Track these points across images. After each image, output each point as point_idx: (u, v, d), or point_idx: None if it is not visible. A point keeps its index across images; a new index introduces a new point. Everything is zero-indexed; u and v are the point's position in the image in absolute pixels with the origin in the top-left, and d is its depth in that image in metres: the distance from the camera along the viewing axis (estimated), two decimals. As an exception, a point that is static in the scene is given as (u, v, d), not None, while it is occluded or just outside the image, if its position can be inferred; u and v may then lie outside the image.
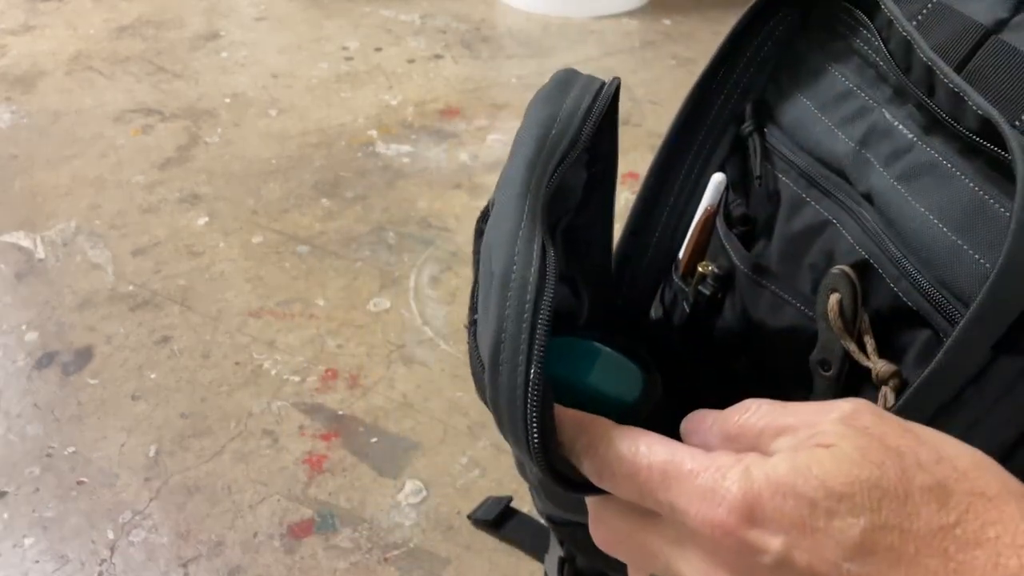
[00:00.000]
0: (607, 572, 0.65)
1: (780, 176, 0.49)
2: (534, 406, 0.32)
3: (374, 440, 1.08)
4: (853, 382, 0.44)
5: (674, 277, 0.57)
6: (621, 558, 0.35)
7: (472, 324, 0.38)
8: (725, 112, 0.55)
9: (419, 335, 1.23)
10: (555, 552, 0.69)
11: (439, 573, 0.93)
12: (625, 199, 1.44)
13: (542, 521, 0.71)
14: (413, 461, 1.05)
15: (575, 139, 0.40)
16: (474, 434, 1.08)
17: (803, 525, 0.28)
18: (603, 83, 0.44)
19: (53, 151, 1.65)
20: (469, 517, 0.97)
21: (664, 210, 0.59)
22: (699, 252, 0.55)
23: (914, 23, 0.41)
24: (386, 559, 0.94)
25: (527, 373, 0.32)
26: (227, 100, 1.83)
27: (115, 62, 1.98)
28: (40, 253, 1.39)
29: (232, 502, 1.00)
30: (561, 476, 0.34)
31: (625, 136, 1.68)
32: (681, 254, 0.57)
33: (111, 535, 0.97)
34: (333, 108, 1.80)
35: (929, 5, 0.42)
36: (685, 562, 0.31)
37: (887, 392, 0.43)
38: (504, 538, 0.96)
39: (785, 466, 0.29)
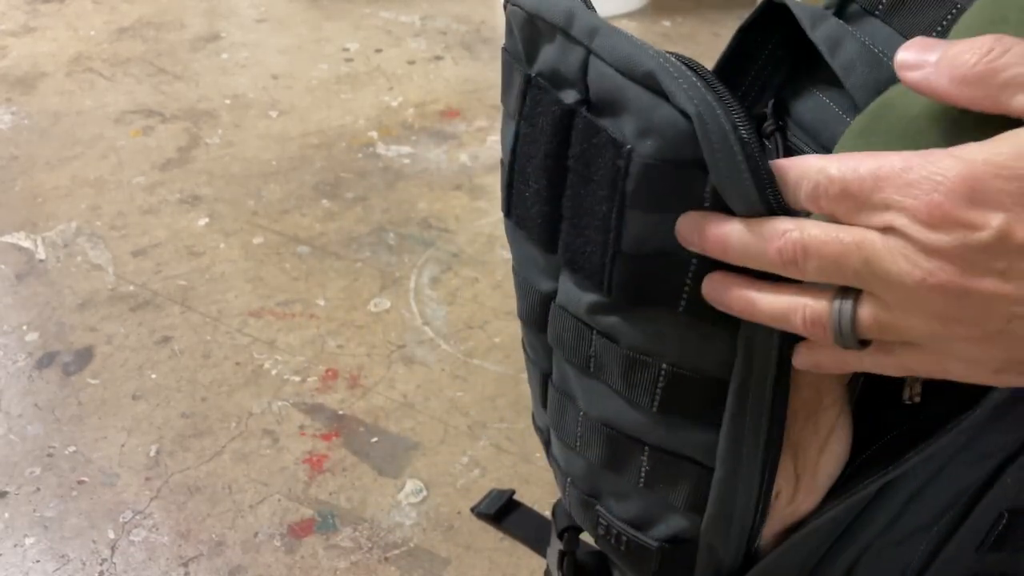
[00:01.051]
0: (608, 563, 0.65)
1: None
2: (748, 138, 0.36)
3: (374, 440, 1.08)
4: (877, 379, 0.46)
5: None
6: (807, 267, 0.36)
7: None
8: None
9: (419, 335, 1.23)
10: (555, 545, 0.69)
11: (439, 573, 0.93)
12: (625, 200, 1.44)
13: (544, 514, 0.71)
14: (413, 461, 1.05)
15: None
16: (474, 434, 1.08)
17: None
18: None
19: (53, 152, 1.66)
20: (472, 509, 0.98)
21: None
22: None
23: (933, 34, 0.41)
24: (386, 558, 0.94)
25: (734, 125, 0.37)
26: (227, 101, 1.83)
27: (115, 64, 1.98)
28: (40, 254, 1.40)
29: (233, 502, 1.00)
30: (775, 204, 0.37)
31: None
32: None
33: (112, 535, 0.97)
34: (333, 109, 1.80)
35: (950, 15, 0.42)
36: (893, 258, 0.33)
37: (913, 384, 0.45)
38: (505, 531, 0.96)
39: (1009, 147, 0.29)
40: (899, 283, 0.33)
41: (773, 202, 0.37)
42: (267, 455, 1.06)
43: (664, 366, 0.45)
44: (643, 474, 0.50)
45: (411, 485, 1.02)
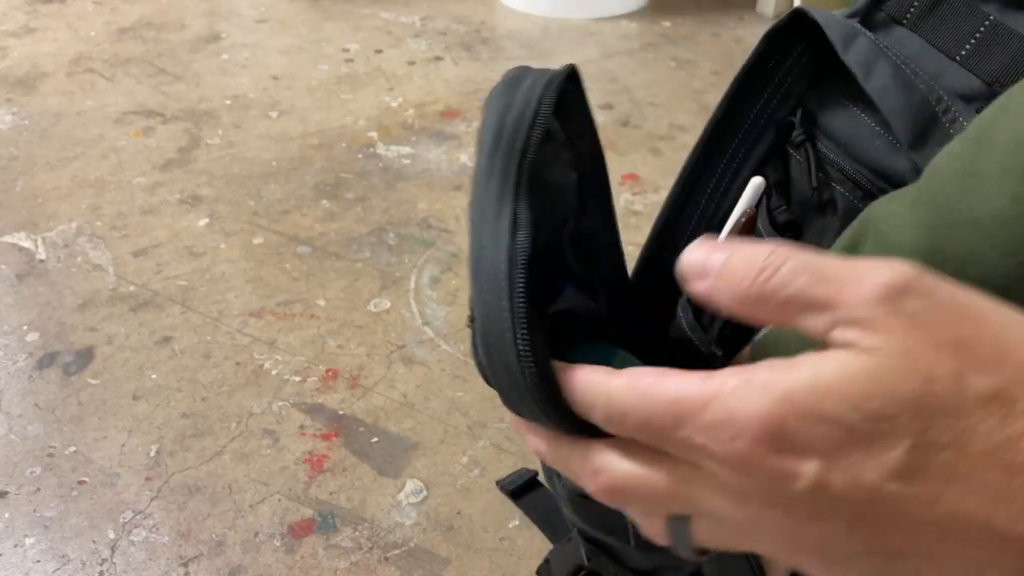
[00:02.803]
0: None
1: (836, 186, 0.48)
2: (525, 353, 0.31)
3: (374, 440, 1.08)
4: None
5: None
6: (630, 506, 0.32)
7: (472, 322, 0.39)
8: (763, 117, 0.55)
9: (419, 335, 1.24)
10: (573, 555, 0.69)
11: (439, 573, 0.93)
12: (625, 200, 1.44)
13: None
14: (413, 461, 1.05)
15: (534, 116, 0.38)
16: (474, 434, 1.08)
17: (837, 448, 0.25)
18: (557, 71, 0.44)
19: (54, 153, 1.66)
20: (497, 483, 0.99)
21: (695, 213, 0.59)
22: None
23: (966, 48, 0.41)
24: (386, 559, 0.95)
25: (513, 328, 0.32)
26: (228, 102, 1.83)
27: (116, 64, 1.98)
28: (41, 254, 1.40)
29: (233, 502, 1.00)
30: (573, 423, 0.32)
31: (625, 138, 1.69)
32: None
33: (112, 535, 0.97)
34: (333, 110, 1.80)
35: (983, 28, 0.41)
36: (711, 496, 0.29)
37: None
38: (521, 508, 0.97)
39: (809, 381, 0.26)
40: (726, 516, 0.29)
41: (562, 420, 0.32)
42: (267, 455, 1.06)
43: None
44: (632, 536, 0.48)
45: (411, 485, 1.02)
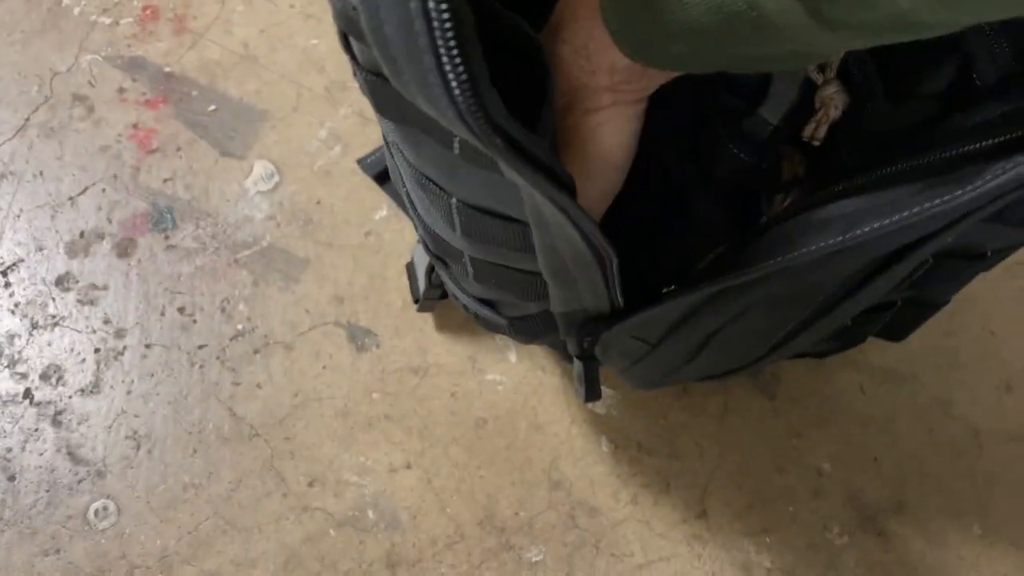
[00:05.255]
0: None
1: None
2: (444, 26, 0.26)
3: (212, 108, 0.90)
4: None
5: None
6: None
7: None
8: None
9: (260, -45, 0.98)
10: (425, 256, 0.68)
11: (298, 276, 0.84)
12: None
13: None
14: (261, 136, 0.89)
15: None
16: (333, 98, 0.91)
17: None
18: None
19: None
20: (358, 162, 0.86)
21: None
22: None
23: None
24: (236, 261, 0.84)
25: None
26: None
27: None
28: None
29: (48, 194, 0.85)
30: (496, 128, 0.30)
31: None
32: None
33: (-94, 239, 0.83)
34: None
35: None
36: None
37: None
38: (389, 194, 0.87)
39: None
40: None
41: (473, 120, 0.29)
42: (82, 130, 0.88)
43: (453, 201, 0.42)
44: (471, 273, 0.49)
45: (260, 168, 0.88)
